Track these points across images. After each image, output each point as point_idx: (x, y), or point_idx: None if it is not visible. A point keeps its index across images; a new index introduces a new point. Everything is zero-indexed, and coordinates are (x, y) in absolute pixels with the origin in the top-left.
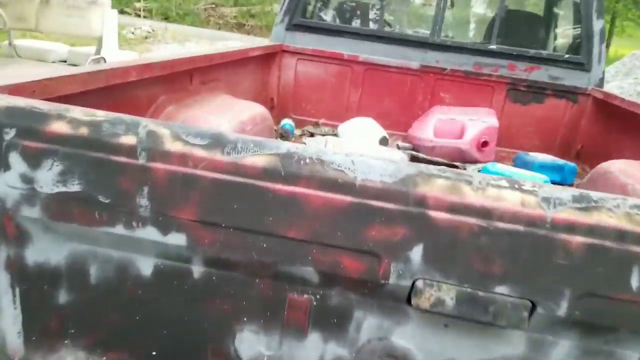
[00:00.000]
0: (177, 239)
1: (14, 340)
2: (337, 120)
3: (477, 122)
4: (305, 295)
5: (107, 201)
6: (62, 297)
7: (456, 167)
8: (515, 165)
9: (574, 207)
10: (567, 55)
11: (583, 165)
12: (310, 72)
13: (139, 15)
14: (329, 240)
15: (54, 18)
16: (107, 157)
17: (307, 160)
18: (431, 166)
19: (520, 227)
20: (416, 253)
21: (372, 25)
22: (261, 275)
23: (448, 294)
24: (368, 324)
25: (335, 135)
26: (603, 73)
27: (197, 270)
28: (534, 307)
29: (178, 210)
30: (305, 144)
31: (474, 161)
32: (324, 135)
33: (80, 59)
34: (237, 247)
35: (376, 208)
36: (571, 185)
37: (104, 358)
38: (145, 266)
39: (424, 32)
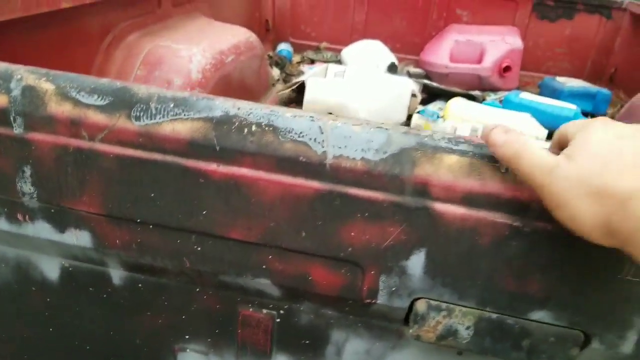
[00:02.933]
0: (78, 238)
1: None
2: (341, 44)
3: (499, 43)
4: (265, 311)
5: None
6: None
7: (473, 97)
8: (541, 93)
9: None
10: None
11: (617, 92)
12: None
13: None
14: (289, 243)
15: None
16: None
17: (254, 128)
18: (438, 135)
19: None
20: (416, 263)
21: None
22: (201, 285)
23: (463, 322)
24: (352, 348)
25: (339, 61)
26: None
27: (117, 275)
28: (587, 340)
29: (75, 200)
30: (303, 72)
31: (495, 89)
32: (326, 62)
33: None
34: (161, 251)
35: (356, 198)
36: (604, 114)
37: None
38: (50, 267)
39: None
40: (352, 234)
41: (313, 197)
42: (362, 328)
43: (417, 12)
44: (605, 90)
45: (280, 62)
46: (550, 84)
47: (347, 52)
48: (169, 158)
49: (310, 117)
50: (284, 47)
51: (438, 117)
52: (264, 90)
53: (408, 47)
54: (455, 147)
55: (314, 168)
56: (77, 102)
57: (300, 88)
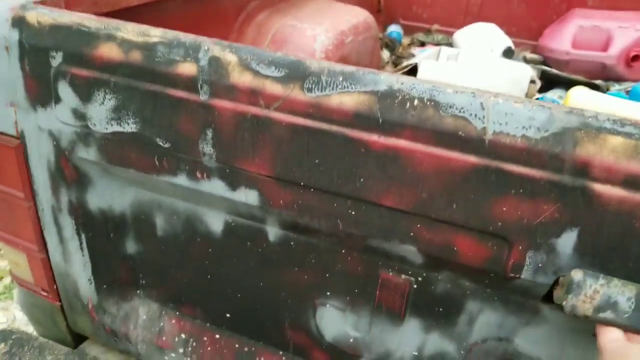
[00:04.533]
0: (247, 197)
1: (86, 286)
2: (453, 26)
3: (628, 30)
4: (404, 276)
5: (166, 145)
6: (130, 246)
7: (596, 86)
8: None
9: None
10: None
11: None
12: None
13: None
14: (439, 214)
15: None
16: (164, 90)
17: (416, 102)
18: (602, 116)
19: None
20: (566, 241)
21: None
22: (348, 247)
23: (623, 292)
24: (485, 320)
25: (450, 44)
26: None
27: (273, 232)
28: None
29: (248, 162)
30: (413, 55)
31: (620, 79)
32: (437, 44)
33: None
34: (318, 213)
35: (512, 175)
36: None
37: (177, 312)
38: (215, 222)
39: None
40: (504, 208)
41: (468, 171)
42: (499, 302)
43: None
44: None
45: (391, 44)
46: None
47: (460, 34)
48: (335, 128)
49: (472, 93)
50: (394, 29)
51: None
52: None
53: (525, 31)
54: (620, 129)
55: (472, 143)
56: (256, 73)
57: (411, 71)
